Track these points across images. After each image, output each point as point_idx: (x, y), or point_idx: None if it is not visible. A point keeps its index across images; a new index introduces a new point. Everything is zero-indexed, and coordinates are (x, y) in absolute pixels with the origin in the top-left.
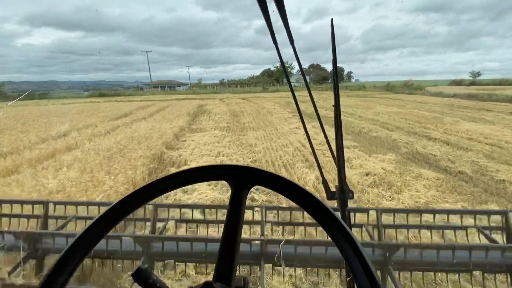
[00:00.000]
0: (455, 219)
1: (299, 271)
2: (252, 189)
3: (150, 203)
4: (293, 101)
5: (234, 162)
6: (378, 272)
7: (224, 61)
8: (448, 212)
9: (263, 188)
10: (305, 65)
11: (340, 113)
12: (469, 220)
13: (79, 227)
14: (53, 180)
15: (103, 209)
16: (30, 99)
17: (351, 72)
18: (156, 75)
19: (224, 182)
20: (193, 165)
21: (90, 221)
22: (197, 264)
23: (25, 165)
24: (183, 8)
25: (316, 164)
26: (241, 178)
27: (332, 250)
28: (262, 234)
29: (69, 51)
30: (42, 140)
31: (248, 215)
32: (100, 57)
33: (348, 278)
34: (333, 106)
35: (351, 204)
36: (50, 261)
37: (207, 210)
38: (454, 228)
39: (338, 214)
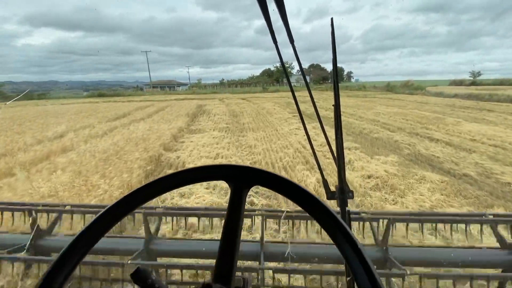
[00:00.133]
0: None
1: (299, 271)
2: (251, 193)
3: (149, 203)
4: (293, 101)
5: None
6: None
7: (224, 61)
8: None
9: (263, 191)
10: (305, 65)
11: (340, 112)
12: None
13: (78, 228)
14: (47, 183)
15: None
16: (29, 99)
17: (351, 72)
18: (156, 75)
19: (222, 186)
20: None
21: (89, 221)
22: (197, 264)
23: (18, 168)
24: (183, 8)
25: (316, 164)
26: (240, 178)
27: (331, 250)
28: (262, 234)
29: (69, 51)
30: (37, 142)
31: (247, 220)
32: (100, 57)
33: (348, 278)
34: (333, 105)
35: (352, 206)
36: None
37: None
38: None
39: (338, 214)
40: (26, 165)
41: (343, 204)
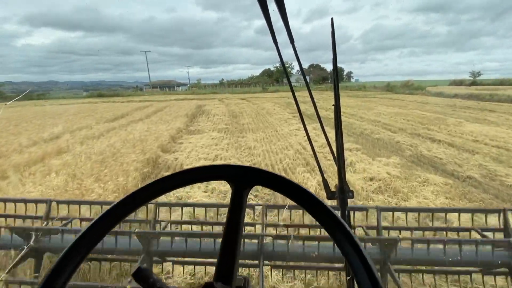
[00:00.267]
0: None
1: (298, 269)
2: (251, 196)
3: (151, 202)
4: (293, 101)
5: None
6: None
7: (224, 61)
8: (446, 211)
9: (263, 194)
10: (305, 65)
11: (340, 112)
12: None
13: (79, 225)
14: (40, 187)
15: (106, 208)
16: (28, 100)
17: (351, 72)
18: (156, 75)
19: (220, 189)
20: None
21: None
22: (198, 263)
23: (12, 170)
24: (183, 8)
25: (316, 164)
26: (241, 178)
27: (332, 250)
28: (262, 233)
29: (69, 51)
30: (33, 143)
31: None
32: (100, 57)
33: (348, 277)
34: (333, 105)
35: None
36: (50, 258)
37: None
38: (457, 229)
39: (338, 214)
40: (20, 167)
41: (343, 203)
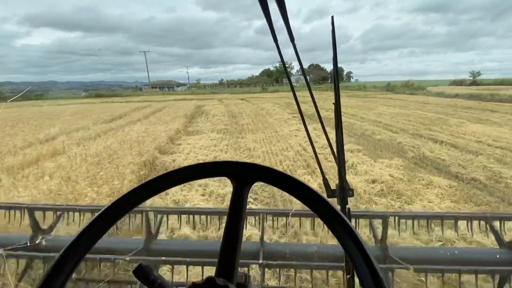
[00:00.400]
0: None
1: (298, 269)
2: (250, 199)
3: (150, 208)
4: (292, 101)
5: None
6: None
7: (224, 61)
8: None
9: (262, 198)
10: (305, 65)
11: (340, 111)
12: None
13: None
14: (31, 190)
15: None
16: (26, 100)
17: (350, 72)
18: (156, 75)
19: (219, 192)
20: None
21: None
22: (198, 261)
23: (6, 173)
24: (183, 8)
25: (316, 163)
26: (242, 174)
27: (331, 249)
28: (262, 233)
29: (69, 51)
30: (28, 144)
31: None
32: (100, 57)
33: (348, 276)
34: (333, 104)
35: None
36: (49, 259)
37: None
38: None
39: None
40: (13, 170)
41: (343, 202)
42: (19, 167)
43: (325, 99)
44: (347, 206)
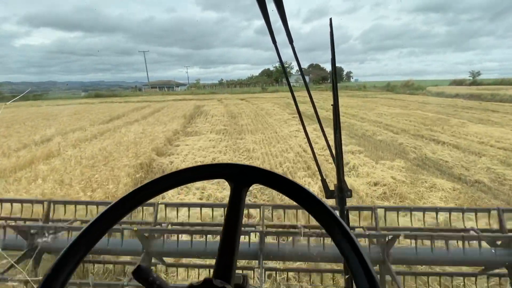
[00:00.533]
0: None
1: (297, 269)
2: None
3: (150, 203)
4: (292, 101)
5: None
6: (377, 270)
7: (224, 61)
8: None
9: (261, 201)
10: (304, 65)
11: (339, 112)
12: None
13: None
14: (24, 195)
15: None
16: (24, 100)
17: (350, 72)
18: (155, 75)
19: (217, 195)
20: None
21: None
22: (196, 263)
23: None
24: (183, 8)
25: (315, 162)
26: (240, 176)
27: (329, 249)
28: (261, 233)
29: (69, 51)
30: (23, 146)
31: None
32: (99, 58)
33: (347, 276)
34: (332, 105)
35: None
36: (48, 257)
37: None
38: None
39: (337, 213)
40: (6, 173)
41: (341, 202)
42: (11, 170)
43: (325, 99)
44: (346, 207)
